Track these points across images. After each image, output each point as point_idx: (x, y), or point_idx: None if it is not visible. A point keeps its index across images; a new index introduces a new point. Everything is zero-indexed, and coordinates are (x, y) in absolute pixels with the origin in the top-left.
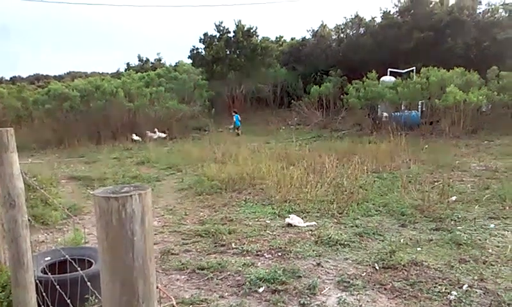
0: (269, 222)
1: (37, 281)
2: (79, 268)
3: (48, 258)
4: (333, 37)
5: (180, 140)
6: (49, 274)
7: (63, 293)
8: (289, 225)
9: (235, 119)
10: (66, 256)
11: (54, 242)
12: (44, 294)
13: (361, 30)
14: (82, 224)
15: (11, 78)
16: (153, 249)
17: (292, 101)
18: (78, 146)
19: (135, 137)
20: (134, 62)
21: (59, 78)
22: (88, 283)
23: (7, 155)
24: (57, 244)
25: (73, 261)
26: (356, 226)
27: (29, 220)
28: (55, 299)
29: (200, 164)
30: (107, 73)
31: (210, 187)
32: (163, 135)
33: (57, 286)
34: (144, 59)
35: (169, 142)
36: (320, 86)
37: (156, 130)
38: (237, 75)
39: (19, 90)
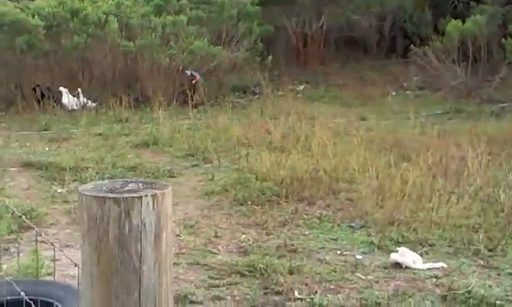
0: (360, 257)
1: None
2: None
3: None
4: None
5: (211, 108)
6: None
7: None
8: (397, 265)
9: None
10: (22, 294)
11: None
12: None
13: None
14: (44, 241)
15: None
16: (171, 288)
17: (412, 46)
18: (39, 111)
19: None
20: None
21: None
22: None
23: None
24: (4, 273)
25: (32, 303)
26: None
27: None
28: None
29: (243, 151)
30: None
31: (260, 191)
32: (92, 104)
33: None
34: None
35: (192, 111)
36: (464, 21)
37: (79, 90)
38: None
39: None
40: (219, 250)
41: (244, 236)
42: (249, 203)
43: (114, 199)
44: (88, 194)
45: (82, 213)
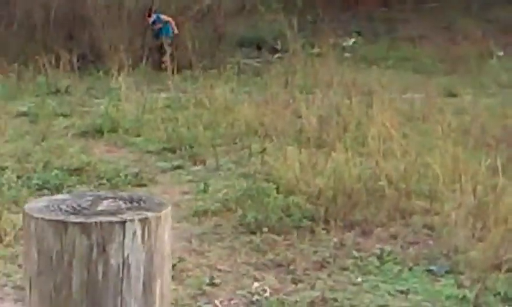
0: None
1: None
2: None
3: None
4: None
5: (203, 73)
6: None
7: None
8: None
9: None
10: None
11: None
12: None
13: None
14: None
15: None
16: None
17: None
18: None
19: None
20: None
21: None
22: None
23: None
24: None
25: None
26: None
27: None
28: None
29: (255, 145)
30: None
31: (284, 210)
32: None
33: None
34: None
35: (173, 78)
36: None
37: None
38: None
39: None
40: (217, 306)
41: (257, 284)
42: (266, 230)
43: (81, 225)
44: (39, 216)
45: (29, 246)
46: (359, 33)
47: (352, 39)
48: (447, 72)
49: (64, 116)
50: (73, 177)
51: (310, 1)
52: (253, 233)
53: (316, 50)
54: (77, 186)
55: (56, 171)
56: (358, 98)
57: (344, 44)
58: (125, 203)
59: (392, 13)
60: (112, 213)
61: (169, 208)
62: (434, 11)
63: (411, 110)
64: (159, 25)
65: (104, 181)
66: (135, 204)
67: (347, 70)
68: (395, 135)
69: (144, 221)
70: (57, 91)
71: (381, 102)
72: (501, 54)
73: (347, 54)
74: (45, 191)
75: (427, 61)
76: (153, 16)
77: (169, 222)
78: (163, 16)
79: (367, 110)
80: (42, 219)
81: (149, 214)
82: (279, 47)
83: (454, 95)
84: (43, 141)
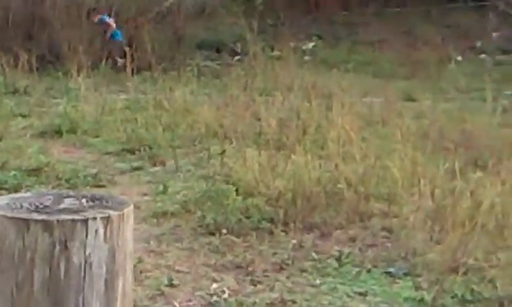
0: None
1: None
2: None
3: None
4: None
5: (163, 75)
6: None
7: None
8: None
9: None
10: None
11: None
12: None
13: None
14: None
15: None
16: None
17: None
18: None
19: None
20: None
21: None
22: None
23: None
24: None
25: None
26: None
27: None
28: None
29: (215, 147)
30: None
31: (243, 212)
32: None
33: None
34: None
35: (133, 79)
36: None
37: None
38: None
39: None
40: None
41: (215, 285)
42: (225, 231)
43: (43, 223)
44: (1, 213)
45: None
46: (319, 37)
47: (313, 43)
48: (407, 77)
49: (23, 116)
50: (31, 177)
51: (270, 4)
52: (212, 234)
53: (276, 53)
54: (36, 186)
55: (13, 172)
56: (318, 101)
57: (304, 47)
58: (87, 202)
59: (352, 17)
60: (75, 212)
61: (131, 206)
62: (395, 16)
63: (371, 114)
64: (104, 27)
65: (63, 181)
66: (97, 202)
67: (307, 73)
68: (354, 139)
69: (106, 219)
70: (16, 91)
71: (341, 105)
72: (459, 58)
73: (307, 57)
74: (3, 192)
75: (387, 65)
76: (99, 17)
77: (131, 220)
78: (107, 19)
79: (327, 114)
80: (4, 216)
81: (111, 212)
82: (239, 50)
83: (413, 99)
84: (0, 141)
